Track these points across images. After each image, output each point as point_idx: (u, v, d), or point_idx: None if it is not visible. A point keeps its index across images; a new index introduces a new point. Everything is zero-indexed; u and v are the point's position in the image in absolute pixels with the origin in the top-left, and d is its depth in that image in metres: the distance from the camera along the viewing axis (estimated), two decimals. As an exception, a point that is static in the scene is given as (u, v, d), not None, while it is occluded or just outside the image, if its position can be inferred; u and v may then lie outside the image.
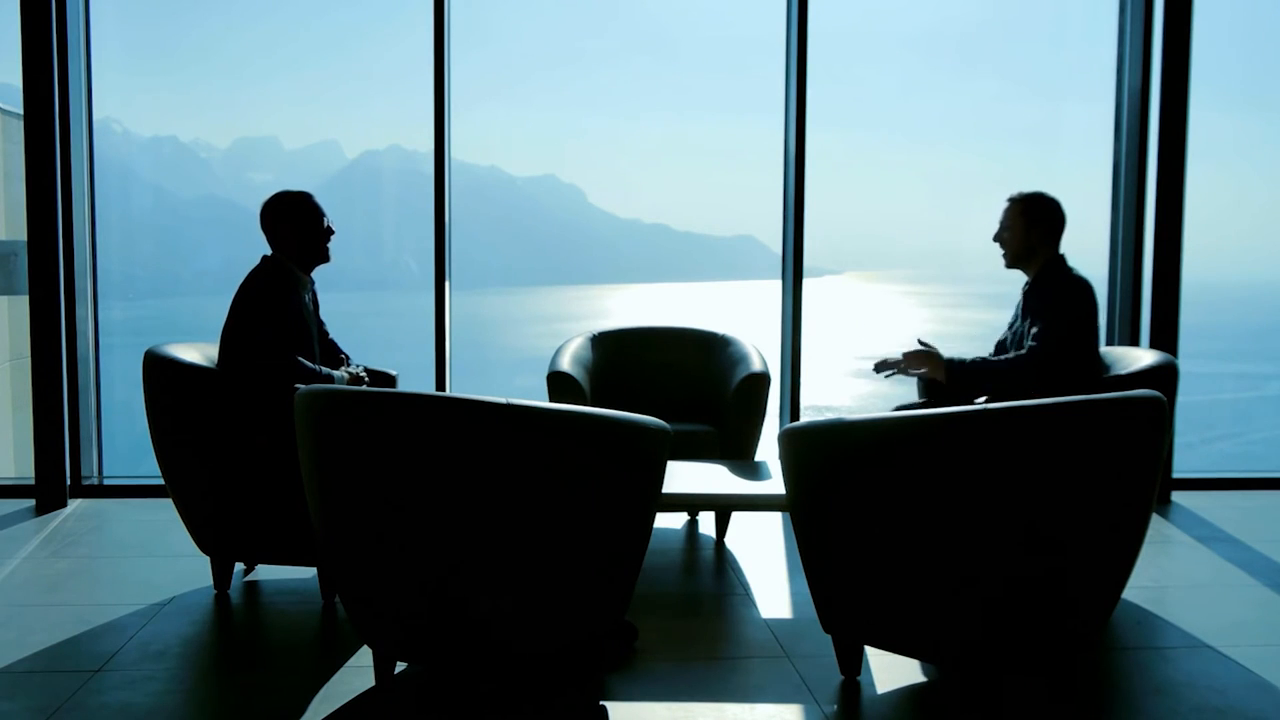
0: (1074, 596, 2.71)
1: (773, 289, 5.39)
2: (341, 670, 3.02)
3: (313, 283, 3.80)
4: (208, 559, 3.70)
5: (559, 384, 4.49)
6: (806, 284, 5.28)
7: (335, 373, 3.63)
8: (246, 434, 3.44)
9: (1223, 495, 5.18)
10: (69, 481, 4.99)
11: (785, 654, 3.16)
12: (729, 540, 4.38)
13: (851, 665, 2.93)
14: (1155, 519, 4.68)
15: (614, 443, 2.73)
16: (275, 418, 3.33)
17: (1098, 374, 3.63)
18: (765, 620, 3.48)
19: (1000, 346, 3.87)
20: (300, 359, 3.50)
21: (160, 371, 3.58)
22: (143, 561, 4.08)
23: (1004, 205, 3.75)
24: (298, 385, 3.16)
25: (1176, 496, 5.13)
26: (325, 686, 2.91)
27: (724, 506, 4.01)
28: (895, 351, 3.79)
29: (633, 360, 5.01)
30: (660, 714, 2.76)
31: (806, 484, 2.84)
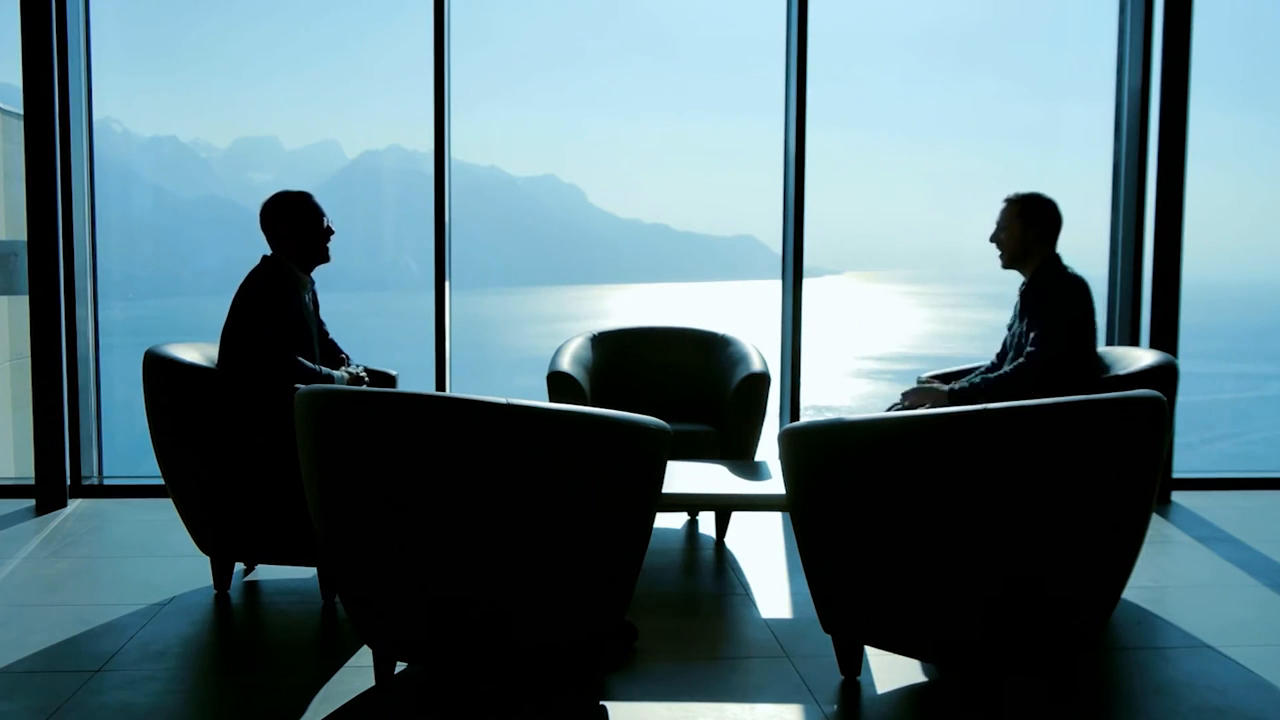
0: (1074, 596, 2.71)
1: (773, 289, 5.39)
2: (341, 670, 3.02)
3: (313, 283, 3.80)
4: (208, 559, 3.70)
5: (559, 384, 4.49)
6: (806, 284, 5.28)
7: (335, 373, 3.63)
8: (246, 434, 3.44)
9: (1223, 495, 5.19)
10: (69, 481, 4.99)
11: (785, 654, 3.16)
12: (729, 540, 4.38)
13: (851, 665, 2.93)
14: (1155, 519, 4.68)
15: (614, 443, 2.73)
16: (275, 418, 3.33)
17: (1096, 373, 3.63)
18: (765, 620, 3.48)
19: (1003, 350, 3.87)
20: (300, 359, 3.50)
21: (160, 371, 3.58)
22: (143, 561, 4.08)
23: (1001, 206, 3.76)
24: (298, 385, 3.16)
25: (1176, 496, 5.13)
26: (325, 686, 2.91)
27: (724, 506, 4.01)
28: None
29: (633, 360, 5.01)
30: (660, 714, 2.76)
31: (806, 484, 2.84)
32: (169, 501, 3.77)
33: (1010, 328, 3.83)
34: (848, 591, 2.84)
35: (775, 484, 3.67)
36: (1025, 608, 2.67)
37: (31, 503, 4.92)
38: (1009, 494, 2.57)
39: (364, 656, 3.07)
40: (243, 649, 3.35)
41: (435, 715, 2.76)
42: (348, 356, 3.91)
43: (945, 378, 4.01)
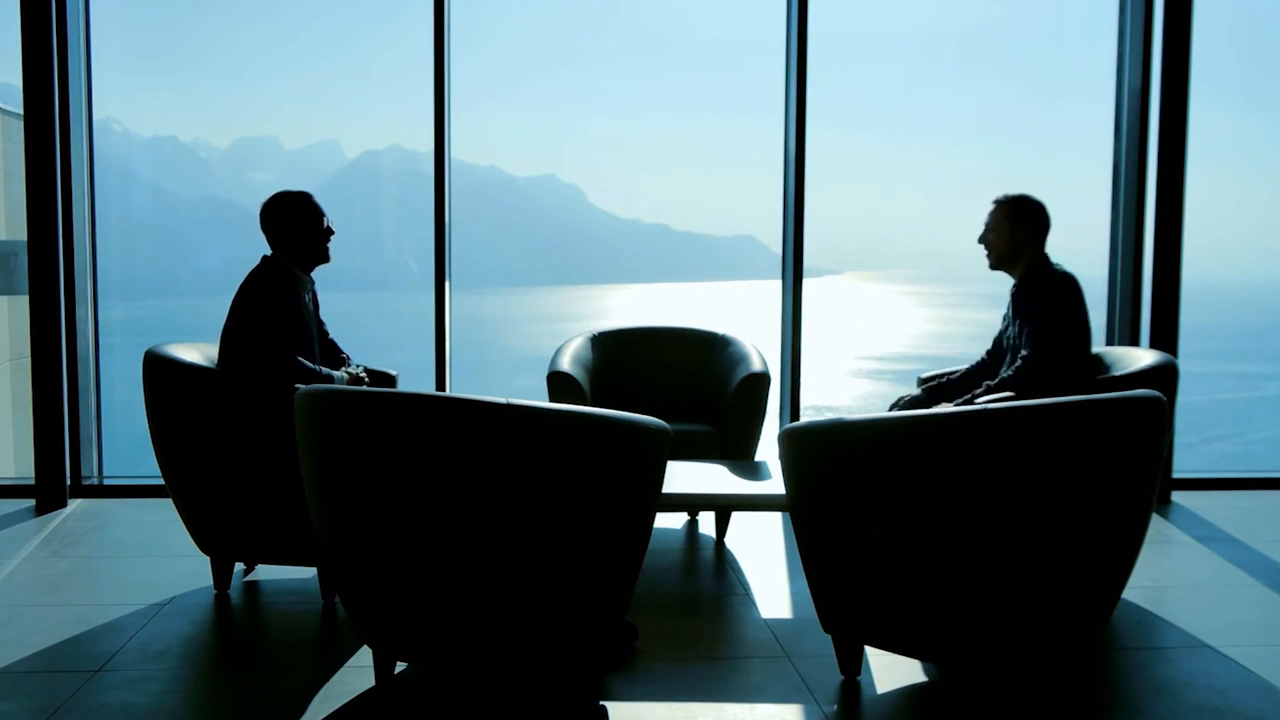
0: (1074, 596, 2.71)
1: (773, 289, 5.39)
2: (341, 670, 3.02)
3: (313, 283, 3.80)
4: (208, 559, 3.70)
5: (559, 384, 4.49)
6: (806, 284, 5.28)
7: (335, 373, 3.63)
8: (246, 434, 3.44)
9: (1223, 495, 5.19)
10: (69, 481, 4.99)
11: (785, 654, 3.16)
12: (729, 540, 4.38)
13: (851, 665, 2.93)
14: (1155, 519, 4.68)
15: (614, 443, 2.73)
16: (275, 418, 3.33)
17: (1093, 370, 3.63)
18: (765, 620, 3.48)
19: (995, 349, 3.87)
20: (300, 359, 3.50)
21: (160, 371, 3.58)
22: (143, 561, 4.08)
23: (989, 208, 3.75)
24: (298, 385, 3.16)
25: (1176, 496, 5.13)
26: (325, 686, 2.91)
27: (724, 506, 4.01)
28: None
29: (633, 360, 5.01)
30: (660, 714, 2.76)
31: (806, 484, 2.84)
32: (169, 501, 3.77)
33: (1004, 330, 3.83)
34: (848, 591, 2.84)
35: (775, 484, 3.67)
36: (1025, 608, 2.67)
37: (31, 503, 4.92)
38: (1009, 494, 2.57)
39: (364, 656, 3.07)
40: (243, 649, 3.35)
41: (435, 715, 2.76)
42: (348, 356, 3.91)
43: (943, 378, 4.01)
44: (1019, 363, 3.55)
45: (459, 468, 2.56)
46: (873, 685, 2.93)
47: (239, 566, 3.86)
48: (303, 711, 2.76)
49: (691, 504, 4.05)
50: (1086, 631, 2.80)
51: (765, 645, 3.25)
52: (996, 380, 3.60)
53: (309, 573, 3.81)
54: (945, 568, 2.64)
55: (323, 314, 3.89)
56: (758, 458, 4.46)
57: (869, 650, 3.02)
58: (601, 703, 2.81)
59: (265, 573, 3.89)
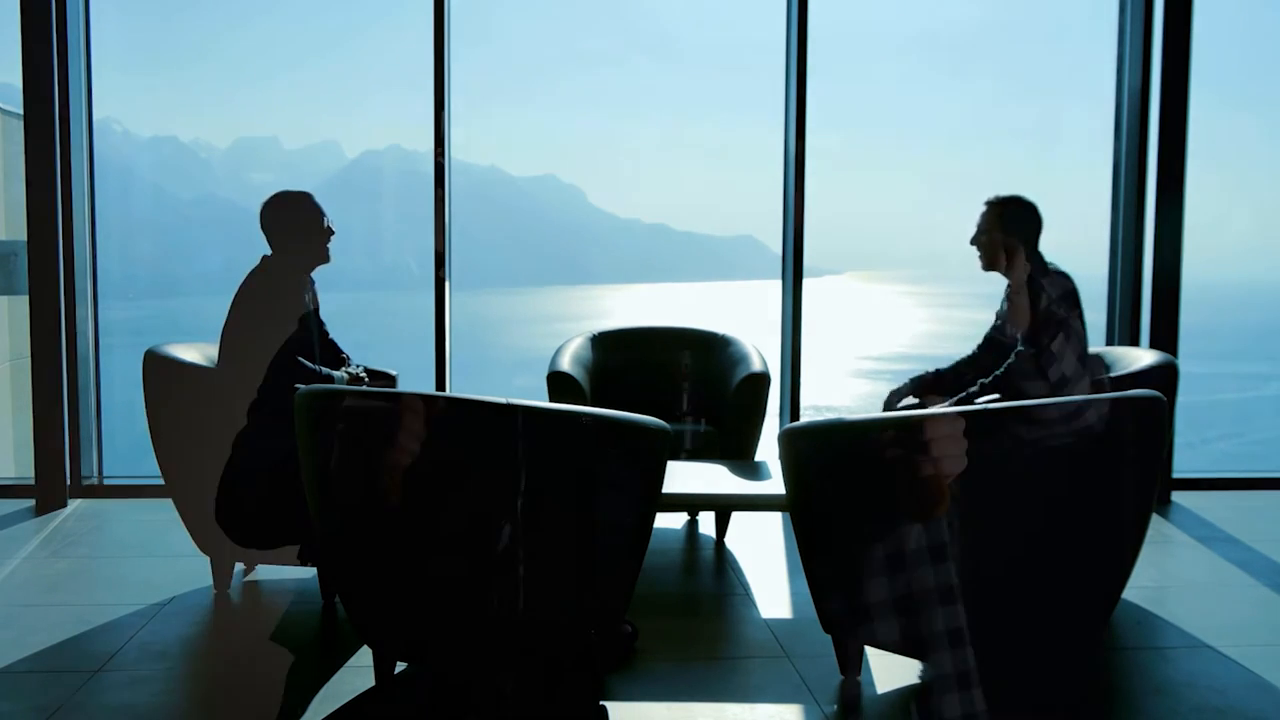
0: (1074, 596, 2.71)
1: (773, 289, 5.39)
2: (341, 670, 3.01)
3: (313, 283, 3.80)
4: (208, 559, 3.69)
5: (559, 384, 4.49)
6: (806, 284, 5.28)
7: (335, 373, 3.63)
8: (246, 434, 3.43)
9: (1223, 495, 5.18)
10: (69, 482, 4.98)
11: (785, 654, 3.16)
12: (729, 540, 4.37)
13: (851, 665, 2.93)
14: (1155, 519, 4.67)
15: (614, 443, 2.73)
16: (275, 418, 3.33)
17: (1092, 369, 3.62)
18: (765, 620, 3.48)
19: (987, 344, 3.86)
20: (300, 359, 3.49)
21: (160, 371, 3.58)
22: (143, 561, 4.08)
23: (981, 209, 3.74)
24: (298, 385, 3.16)
25: (1176, 496, 5.12)
26: (325, 686, 2.91)
27: (724, 506, 4.01)
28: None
29: (633, 360, 5.01)
30: (660, 714, 2.76)
31: (806, 484, 2.84)
32: (169, 501, 3.77)
33: (995, 325, 3.82)
34: (848, 592, 2.83)
35: (775, 484, 3.67)
36: (1025, 608, 2.67)
37: (31, 503, 4.92)
38: (1009, 494, 2.57)
39: (364, 656, 3.07)
40: (243, 649, 3.35)
41: (435, 715, 2.76)
42: (348, 356, 3.91)
43: (940, 378, 4.00)
44: (1011, 358, 3.53)
45: (459, 468, 2.56)
46: (873, 685, 2.93)
47: (239, 567, 3.86)
48: (303, 711, 2.76)
49: (691, 504, 4.05)
50: (1086, 631, 2.80)
51: (765, 645, 3.25)
52: (990, 379, 3.60)
53: (309, 573, 3.81)
54: (945, 567, 2.64)
55: (323, 314, 3.88)
56: (758, 458, 4.45)
57: (869, 650, 3.02)
58: (601, 703, 2.81)
59: (265, 573, 3.89)
